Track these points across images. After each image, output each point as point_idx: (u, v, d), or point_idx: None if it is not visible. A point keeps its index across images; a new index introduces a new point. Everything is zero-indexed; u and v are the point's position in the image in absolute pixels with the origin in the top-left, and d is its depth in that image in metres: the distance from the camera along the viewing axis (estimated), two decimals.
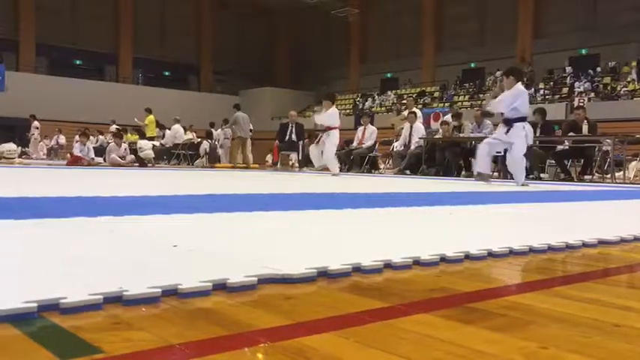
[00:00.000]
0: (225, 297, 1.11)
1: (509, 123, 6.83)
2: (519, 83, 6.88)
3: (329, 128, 9.95)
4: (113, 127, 20.61)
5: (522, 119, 6.85)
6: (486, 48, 26.08)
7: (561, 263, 1.72)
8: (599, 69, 21.65)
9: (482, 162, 7.27)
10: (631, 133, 11.77)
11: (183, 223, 2.27)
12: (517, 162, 6.92)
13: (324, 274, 1.31)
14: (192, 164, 15.68)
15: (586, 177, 9.75)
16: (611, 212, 3.79)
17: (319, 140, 10.35)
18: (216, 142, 16.66)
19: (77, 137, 14.91)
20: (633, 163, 11.47)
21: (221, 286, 1.15)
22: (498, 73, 24.70)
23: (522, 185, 6.77)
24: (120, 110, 24.70)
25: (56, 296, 0.98)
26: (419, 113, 12.71)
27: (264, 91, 31.73)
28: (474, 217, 3.01)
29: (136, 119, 17.14)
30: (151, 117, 16.53)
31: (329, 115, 9.91)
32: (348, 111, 28.10)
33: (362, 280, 1.32)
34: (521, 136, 6.80)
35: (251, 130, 15.02)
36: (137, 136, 15.97)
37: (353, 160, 12.68)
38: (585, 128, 9.66)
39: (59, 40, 28.67)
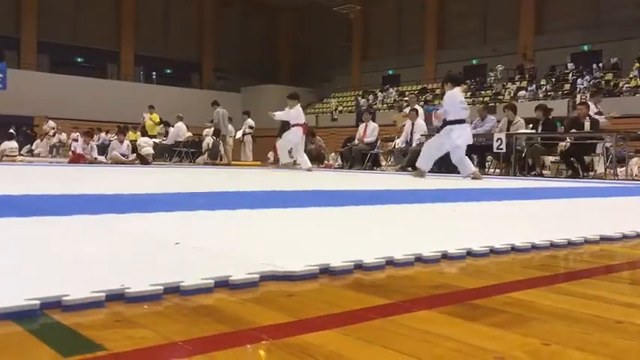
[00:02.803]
0: (227, 294, 1.11)
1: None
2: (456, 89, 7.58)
3: (293, 125, 10.68)
4: (51, 123, 20.15)
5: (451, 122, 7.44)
6: (488, 45, 26.03)
7: (563, 260, 1.71)
8: (600, 65, 21.59)
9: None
10: (633, 129, 11.74)
11: (184, 220, 2.27)
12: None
13: (326, 271, 1.31)
14: (194, 162, 15.67)
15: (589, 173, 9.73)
16: (614, 209, 3.78)
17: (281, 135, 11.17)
18: (219, 140, 16.64)
19: (78, 135, 14.89)
20: (634, 159, 11.45)
21: (223, 284, 1.15)
22: (500, 67, 24.72)
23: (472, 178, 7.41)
24: (122, 108, 24.73)
25: (58, 294, 0.98)
26: (420, 110, 12.69)
27: (265, 89, 31.66)
28: (477, 214, 3.01)
29: (146, 116, 16.95)
30: (155, 115, 16.54)
31: (296, 113, 10.72)
32: (350, 108, 28.03)
33: (364, 277, 1.31)
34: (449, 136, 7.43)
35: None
36: (138, 134, 15.95)
37: (354, 157, 12.68)
38: (587, 125, 9.63)
39: (61, 38, 28.68)
